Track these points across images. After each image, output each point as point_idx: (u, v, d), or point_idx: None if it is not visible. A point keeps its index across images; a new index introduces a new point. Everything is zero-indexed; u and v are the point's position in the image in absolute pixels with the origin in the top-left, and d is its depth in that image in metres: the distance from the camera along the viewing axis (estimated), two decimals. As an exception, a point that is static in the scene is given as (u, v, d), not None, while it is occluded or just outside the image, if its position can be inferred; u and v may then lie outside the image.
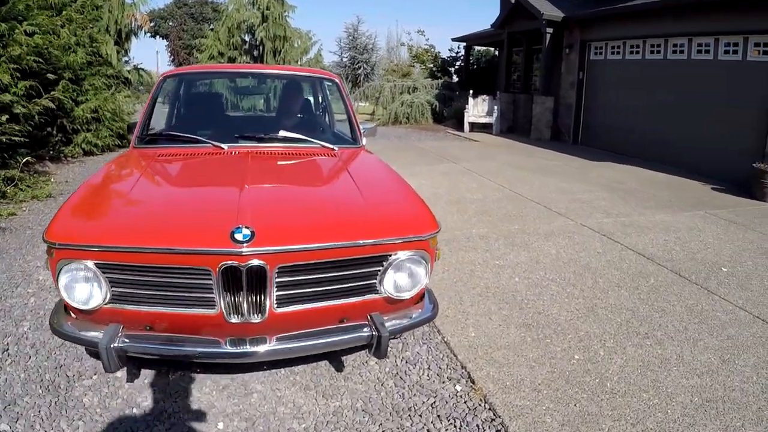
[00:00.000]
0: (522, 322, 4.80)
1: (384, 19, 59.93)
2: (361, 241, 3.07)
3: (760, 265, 6.33)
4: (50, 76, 10.18)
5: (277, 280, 2.91)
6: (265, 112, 11.32)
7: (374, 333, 3.13)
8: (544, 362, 4.11)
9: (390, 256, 3.16)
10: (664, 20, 13.65)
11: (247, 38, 22.63)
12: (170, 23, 51.57)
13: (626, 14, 14.86)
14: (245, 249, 2.79)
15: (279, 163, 4.32)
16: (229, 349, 3.00)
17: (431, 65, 25.62)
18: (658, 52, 14.33)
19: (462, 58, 25.43)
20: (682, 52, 13.62)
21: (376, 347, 3.14)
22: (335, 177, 4.15)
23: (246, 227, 2.86)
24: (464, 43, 24.90)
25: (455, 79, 25.35)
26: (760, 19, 10.95)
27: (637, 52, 15.09)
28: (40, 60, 9.55)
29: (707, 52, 12.75)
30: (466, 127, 20.05)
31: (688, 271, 6.09)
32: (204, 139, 4.45)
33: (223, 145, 4.34)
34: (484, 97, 19.72)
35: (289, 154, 4.58)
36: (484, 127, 20.12)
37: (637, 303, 5.20)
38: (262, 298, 2.93)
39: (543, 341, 4.46)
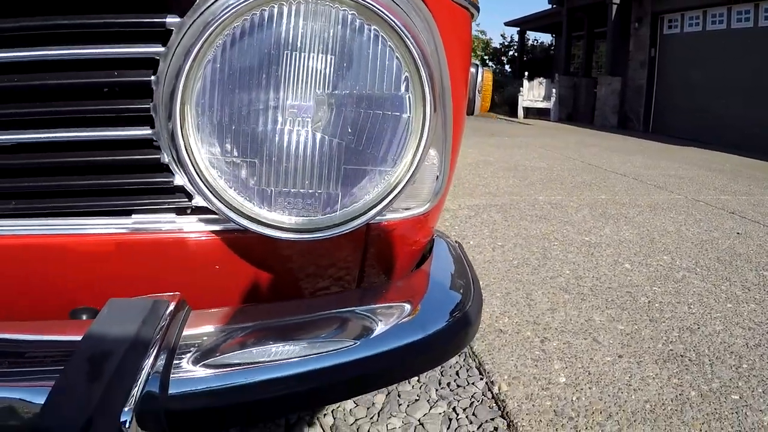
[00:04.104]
0: (662, 350, 2.27)
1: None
2: None
3: None
4: None
5: None
6: None
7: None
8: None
9: None
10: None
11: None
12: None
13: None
14: None
15: None
16: None
17: (482, 53, 23.38)
18: (747, 19, 12.33)
19: (515, 46, 23.18)
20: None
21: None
22: None
23: None
24: (517, 29, 22.97)
25: (508, 69, 23.10)
26: None
27: (721, 22, 13.08)
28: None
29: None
30: (520, 112, 17.74)
31: None
32: None
33: None
34: (541, 80, 17.69)
35: None
36: (540, 114, 17.95)
37: None
38: None
39: (717, 392, 1.94)
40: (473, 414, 1.75)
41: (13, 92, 0.67)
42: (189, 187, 0.72)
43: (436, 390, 1.87)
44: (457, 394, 1.85)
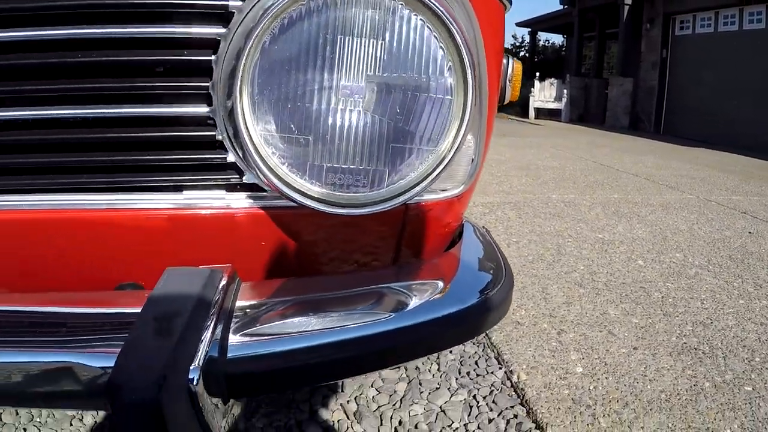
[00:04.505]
0: (676, 343, 2.28)
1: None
2: None
3: None
4: None
5: None
6: None
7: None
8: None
9: None
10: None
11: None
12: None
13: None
14: None
15: None
16: None
17: None
18: (759, 20, 12.17)
19: (526, 46, 23.02)
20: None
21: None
22: None
23: None
24: (529, 29, 22.67)
25: None
26: None
27: (733, 23, 12.93)
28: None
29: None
30: (531, 113, 17.52)
31: None
32: None
33: None
34: (552, 80, 17.45)
35: None
36: (551, 114, 17.75)
37: None
38: None
39: (729, 383, 1.95)
40: (493, 402, 1.78)
41: (78, 68, 0.71)
42: (241, 164, 0.76)
43: (456, 378, 1.90)
44: (476, 382, 1.88)
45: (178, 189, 0.79)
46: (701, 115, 13.63)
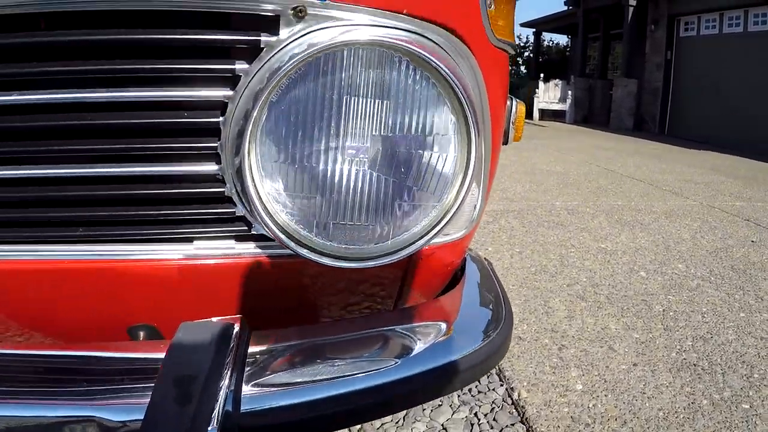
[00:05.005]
0: (676, 359, 2.30)
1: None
2: None
3: None
4: None
5: None
6: None
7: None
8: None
9: (267, 24, 0.73)
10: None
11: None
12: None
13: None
14: None
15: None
16: None
17: None
18: (764, 22, 12.11)
19: (530, 47, 22.99)
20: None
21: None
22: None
23: None
24: (533, 30, 22.67)
25: (523, 70, 22.88)
26: None
27: (738, 24, 12.85)
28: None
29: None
30: (535, 114, 17.53)
31: None
32: None
33: None
34: (557, 81, 17.45)
35: None
36: (556, 116, 17.73)
37: None
38: None
39: (728, 401, 1.98)
40: (494, 419, 1.81)
41: (97, 130, 0.74)
42: (249, 217, 0.79)
43: (458, 396, 1.93)
44: (478, 399, 1.92)
45: (188, 240, 0.82)
46: (706, 117, 13.61)
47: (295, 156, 0.75)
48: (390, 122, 0.77)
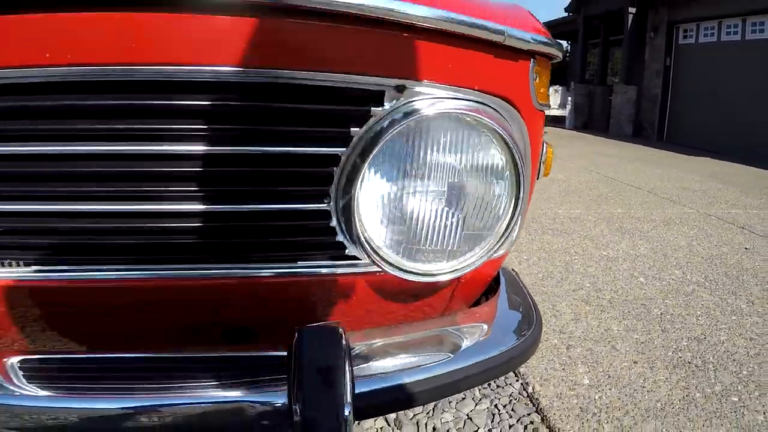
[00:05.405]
0: (672, 357, 2.56)
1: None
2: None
3: None
4: None
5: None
6: None
7: (292, 403, 0.89)
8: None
9: (375, 98, 0.96)
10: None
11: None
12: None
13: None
14: None
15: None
16: None
17: None
18: (762, 30, 12.12)
19: None
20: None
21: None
22: None
23: None
24: None
25: None
26: None
27: (735, 33, 12.87)
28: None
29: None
30: (536, 119, 17.41)
31: None
32: None
33: None
34: (557, 87, 17.55)
35: None
36: (556, 122, 18.04)
37: None
38: None
39: (719, 395, 2.23)
40: (512, 410, 2.07)
41: (245, 177, 0.98)
42: (347, 243, 1.04)
43: (480, 390, 2.18)
44: (497, 393, 2.17)
45: (295, 260, 1.07)
46: (704, 124, 13.63)
47: (390, 196, 1.00)
48: (459, 170, 1.01)
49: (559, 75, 21.43)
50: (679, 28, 14.70)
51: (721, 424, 2.03)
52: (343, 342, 0.93)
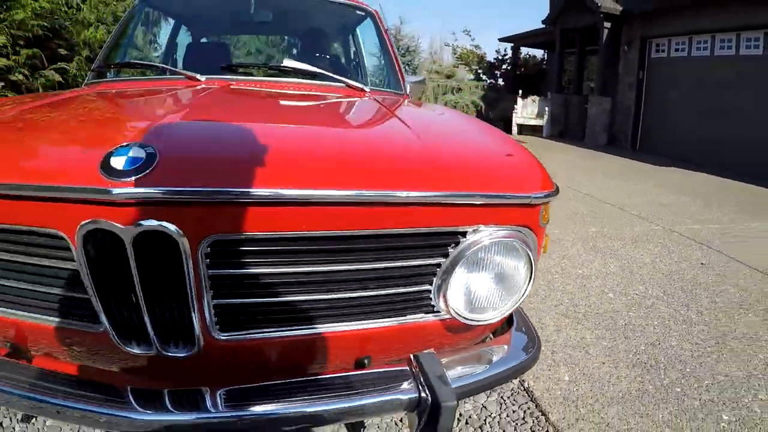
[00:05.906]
0: (633, 359, 3.33)
1: (429, 21, 57.77)
2: (403, 194, 1.51)
3: None
4: (62, 51, 8.68)
5: (212, 269, 1.43)
6: (265, 42, 9.32)
7: (422, 394, 1.60)
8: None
9: (462, 234, 1.66)
10: (735, 11, 12.10)
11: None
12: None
13: (692, 5, 13.28)
14: (123, 189, 1.28)
15: (277, 101, 2.56)
16: (132, 412, 1.38)
17: (476, 67, 23.74)
18: (729, 47, 12.77)
19: (509, 60, 23.66)
20: (756, 47, 12.07)
21: (428, 422, 1.58)
22: (368, 117, 2.48)
23: (140, 145, 1.35)
24: (511, 44, 23.28)
25: (501, 82, 23.55)
26: None
27: (705, 48, 13.50)
28: (48, 33, 8.12)
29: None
30: (514, 129, 18.45)
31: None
32: (171, 68, 2.86)
33: (199, 77, 2.69)
34: (534, 97, 18.13)
35: (293, 91, 2.85)
36: (534, 131, 18.67)
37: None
38: (185, 306, 1.44)
39: (666, 386, 2.95)
40: (514, 400, 2.83)
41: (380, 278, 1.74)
42: (438, 306, 1.76)
43: (489, 385, 2.95)
44: (502, 388, 2.93)
45: (402, 315, 1.78)
46: (675, 135, 14.24)
47: (465, 285, 1.74)
48: (502, 268, 1.76)
49: (535, 80, 22.03)
50: (651, 42, 15.26)
51: (666, 408, 2.81)
52: (441, 359, 1.70)
